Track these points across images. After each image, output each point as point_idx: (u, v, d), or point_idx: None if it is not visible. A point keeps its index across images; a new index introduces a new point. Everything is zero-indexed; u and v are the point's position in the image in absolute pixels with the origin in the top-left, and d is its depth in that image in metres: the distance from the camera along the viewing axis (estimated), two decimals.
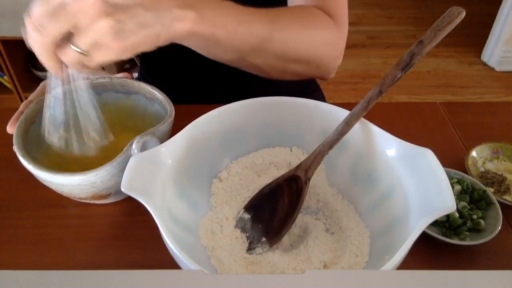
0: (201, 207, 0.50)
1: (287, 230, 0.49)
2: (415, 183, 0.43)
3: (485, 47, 2.38)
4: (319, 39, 0.55)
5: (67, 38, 0.38)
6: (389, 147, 0.47)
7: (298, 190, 0.49)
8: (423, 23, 2.74)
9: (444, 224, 0.52)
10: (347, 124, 0.48)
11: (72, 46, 0.38)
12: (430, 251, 0.50)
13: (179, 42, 0.45)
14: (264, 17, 0.50)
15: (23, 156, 0.48)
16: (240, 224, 0.50)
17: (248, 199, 0.52)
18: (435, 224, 0.52)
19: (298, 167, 0.50)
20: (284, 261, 0.46)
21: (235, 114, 0.52)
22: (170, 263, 0.40)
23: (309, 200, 0.53)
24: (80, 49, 0.38)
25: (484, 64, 2.38)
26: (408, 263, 0.46)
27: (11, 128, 0.51)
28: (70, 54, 0.39)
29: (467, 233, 0.51)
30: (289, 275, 0.36)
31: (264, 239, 0.48)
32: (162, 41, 0.41)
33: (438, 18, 0.48)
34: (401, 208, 0.44)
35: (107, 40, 0.37)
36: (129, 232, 0.53)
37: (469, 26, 2.62)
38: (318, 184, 0.53)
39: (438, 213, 0.39)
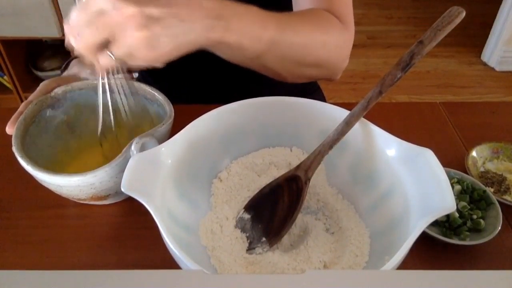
0: (201, 207, 0.50)
1: (287, 230, 0.49)
2: (415, 183, 0.43)
3: (485, 47, 2.38)
4: (331, 42, 0.56)
5: (104, 44, 0.40)
6: (389, 147, 0.47)
7: (298, 190, 0.49)
8: (423, 23, 2.74)
9: (444, 224, 0.52)
10: (347, 124, 0.48)
11: (108, 52, 0.40)
12: (430, 251, 0.50)
13: (205, 49, 0.46)
14: (282, 22, 0.51)
15: (22, 157, 0.48)
16: (240, 224, 0.50)
17: (248, 199, 0.52)
18: (435, 224, 0.52)
19: (298, 167, 0.50)
20: (284, 261, 0.46)
21: (235, 114, 0.52)
22: (170, 263, 0.40)
23: (309, 200, 0.53)
24: (116, 56, 0.40)
25: (484, 64, 2.38)
26: (408, 263, 0.46)
27: (10, 129, 0.51)
28: (105, 59, 0.40)
29: (467, 233, 0.51)
30: (289, 275, 0.36)
31: (264, 239, 0.48)
32: (192, 49, 0.42)
33: (438, 18, 0.48)
34: (401, 208, 0.44)
35: (142, 50, 0.39)
36: (129, 232, 0.53)
37: (469, 26, 2.62)
38: (318, 184, 0.53)
39: (438, 213, 0.39)
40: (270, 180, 0.52)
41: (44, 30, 1.77)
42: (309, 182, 0.49)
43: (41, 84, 0.58)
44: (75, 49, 0.40)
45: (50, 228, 0.53)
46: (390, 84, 0.47)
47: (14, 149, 0.49)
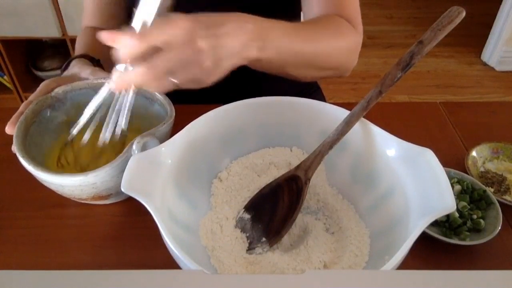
0: (201, 207, 0.50)
1: (287, 230, 0.49)
2: (415, 183, 0.43)
3: (485, 47, 2.38)
4: (346, 47, 0.60)
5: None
6: (389, 147, 0.47)
7: (298, 190, 0.49)
8: (423, 23, 2.74)
9: (444, 224, 0.52)
10: (347, 124, 0.48)
11: (170, 79, 0.43)
12: (430, 251, 0.50)
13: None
14: (305, 34, 0.55)
15: (23, 156, 0.48)
16: (240, 224, 0.50)
17: (248, 199, 0.52)
18: (435, 224, 0.52)
19: (298, 167, 0.50)
20: (284, 261, 0.46)
21: (235, 114, 0.52)
22: (170, 263, 0.40)
23: (309, 200, 0.53)
24: (179, 83, 0.43)
25: (484, 64, 2.38)
26: (408, 263, 0.46)
27: (10, 128, 0.51)
28: (165, 85, 0.43)
29: (467, 233, 0.51)
30: (289, 275, 0.36)
31: (264, 239, 0.48)
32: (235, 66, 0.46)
33: (438, 18, 0.48)
34: (401, 208, 0.44)
35: (203, 78, 0.44)
36: (129, 232, 0.53)
37: (469, 26, 2.62)
38: (318, 184, 0.53)
39: (438, 213, 0.39)
40: (270, 180, 0.52)
41: (44, 30, 1.77)
42: (309, 182, 0.49)
43: (42, 84, 0.58)
44: (141, 79, 0.41)
45: (50, 228, 0.53)
46: (390, 84, 0.48)
47: (15, 149, 0.49)
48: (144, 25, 0.44)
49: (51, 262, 0.49)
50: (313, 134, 0.53)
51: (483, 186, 0.55)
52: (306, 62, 0.57)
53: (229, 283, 0.28)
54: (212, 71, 0.44)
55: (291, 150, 0.55)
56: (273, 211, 0.50)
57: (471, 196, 0.54)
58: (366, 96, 0.48)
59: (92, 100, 0.50)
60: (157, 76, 0.41)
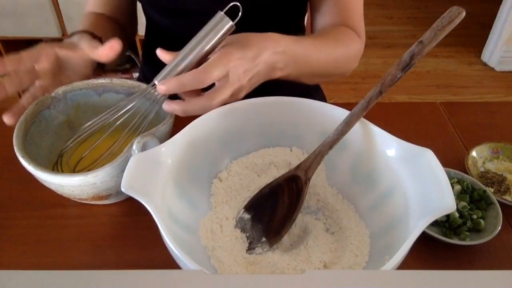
0: (201, 207, 0.50)
1: (287, 230, 0.49)
2: (415, 183, 0.43)
3: (485, 47, 2.38)
4: (353, 54, 0.67)
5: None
6: (389, 147, 0.47)
7: (298, 190, 0.49)
8: (423, 23, 2.74)
9: (444, 224, 0.52)
10: (347, 124, 0.48)
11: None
12: (430, 251, 0.50)
13: None
14: (320, 47, 0.60)
15: (23, 156, 0.48)
16: (240, 224, 0.50)
17: (248, 199, 0.52)
18: (435, 224, 0.52)
19: (298, 167, 0.50)
20: (284, 261, 0.46)
21: (235, 114, 0.52)
22: (170, 263, 0.40)
23: (309, 200, 0.53)
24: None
25: (484, 64, 2.38)
26: (408, 263, 0.46)
27: (6, 117, 0.51)
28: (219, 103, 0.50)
29: (467, 233, 0.51)
30: (289, 275, 0.36)
31: (264, 239, 0.48)
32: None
33: (438, 18, 0.48)
34: (401, 208, 0.44)
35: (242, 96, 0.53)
36: (129, 232, 0.53)
37: (469, 26, 2.62)
38: (318, 184, 0.53)
39: (438, 213, 0.39)
40: (270, 180, 0.52)
41: (44, 30, 1.77)
42: (309, 182, 0.49)
43: (38, 47, 0.54)
44: (204, 111, 0.50)
45: (50, 228, 0.53)
46: (390, 84, 0.48)
47: (15, 149, 0.49)
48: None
49: (51, 262, 0.49)
50: (313, 134, 0.53)
51: (483, 186, 0.55)
52: (318, 72, 0.63)
53: (229, 283, 0.28)
54: (244, 94, 0.53)
55: (291, 150, 0.55)
56: (273, 211, 0.50)
57: (471, 196, 0.54)
58: (366, 96, 0.48)
59: (125, 103, 0.52)
60: (214, 107, 0.50)
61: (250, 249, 0.48)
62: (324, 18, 0.69)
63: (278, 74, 0.55)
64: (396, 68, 0.47)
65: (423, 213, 0.40)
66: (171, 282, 0.28)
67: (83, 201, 0.53)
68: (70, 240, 0.52)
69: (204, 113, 0.50)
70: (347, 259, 0.45)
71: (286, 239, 0.50)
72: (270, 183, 0.52)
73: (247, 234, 0.49)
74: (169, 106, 0.50)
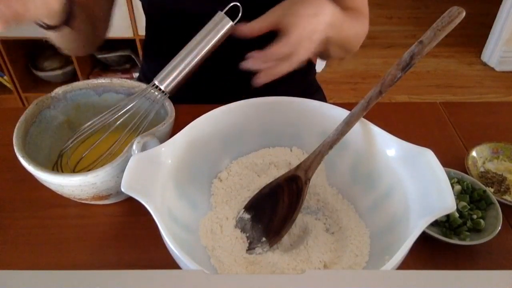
0: (201, 207, 0.50)
1: (287, 230, 0.49)
2: (415, 183, 0.43)
3: (485, 47, 2.38)
4: (364, 32, 0.72)
5: None
6: (389, 147, 0.47)
7: (298, 190, 0.49)
8: (423, 23, 2.74)
9: (444, 224, 0.52)
10: (347, 124, 0.48)
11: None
12: (430, 251, 0.50)
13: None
14: (348, 20, 0.63)
15: (23, 157, 0.48)
16: (240, 224, 0.50)
17: (248, 199, 0.52)
18: (435, 224, 0.52)
19: (298, 167, 0.50)
20: (284, 261, 0.46)
21: (235, 114, 0.52)
22: (170, 263, 0.40)
23: (309, 200, 0.53)
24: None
25: (484, 64, 2.38)
26: (408, 263, 0.46)
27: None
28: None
29: (467, 233, 0.51)
30: (289, 275, 0.36)
31: (264, 239, 0.48)
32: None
33: (438, 18, 0.48)
34: (401, 208, 0.44)
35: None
36: (129, 232, 0.53)
37: (469, 26, 2.62)
38: (318, 184, 0.53)
39: (438, 213, 0.39)
40: (270, 180, 0.52)
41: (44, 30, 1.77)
42: (309, 182, 0.49)
43: None
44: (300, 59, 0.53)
45: (50, 228, 0.53)
46: (390, 84, 0.48)
47: (15, 149, 0.49)
48: None
49: (51, 262, 0.49)
50: (313, 134, 0.53)
51: (483, 186, 0.55)
52: (345, 44, 0.65)
53: (229, 283, 0.28)
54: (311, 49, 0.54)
55: (291, 150, 0.55)
56: (273, 211, 0.50)
57: (471, 196, 0.54)
58: (366, 96, 0.48)
59: (125, 103, 0.52)
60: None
61: (250, 249, 0.48)
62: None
63: (329, 33, 0.56)
64: (396, 68, 0.47)
65: (423, 213, 0.40)
66: (171, 282, 0.28)
67: (83, 201, 0.53)
68: (70, 240, 0.52)
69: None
70: (347, 259, 0.45)
71: (286, 239, 0.50)
72: (270, 183, 0.52)
73: (247, 234, 0.49)
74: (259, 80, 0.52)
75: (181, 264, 0.39)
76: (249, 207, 0.51)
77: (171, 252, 0.39)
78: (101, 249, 0.51)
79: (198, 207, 0.50)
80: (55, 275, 0.28)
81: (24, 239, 0.52)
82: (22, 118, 0.52)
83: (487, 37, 2.35)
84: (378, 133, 0.48)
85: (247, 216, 0.50)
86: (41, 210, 0.55)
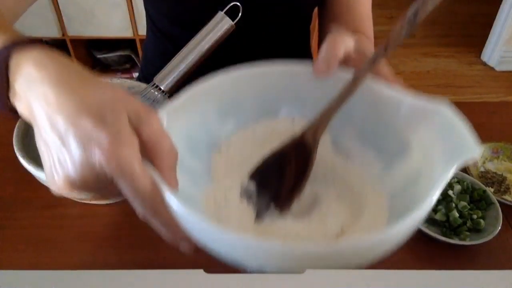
0: (202, 181, 0.47)
1: (297, 196, 0.46)
2: (433, 137, 0.41)
3: (485, 47, 2.38)
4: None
5: None
6: (400, 105, 0.44)
7: (306, 155, 0.46)
8: (423, 23, 2.73)
9: (444, 224, 0.52)
10: (354, 83, 0.44)
11: None
12: (430, 251, 0.50)
13: None
14: None
15: (23, 157, 0.48)
16: (245, 194, 0.47)
17: (250, 171, 0.48)
18: (435, 224, 0.52)
19: (304, 130, 0.46)
20: (297, 229, 0.43)
21: (233, 84, 0.48)
22: (170, 263, 0.40)
23: (316, 168, 0.48)
24: None
25: (484, 64, 2.38)
26: (408, 263, 0.46)
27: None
28: None
29: (467, 233, 0.51)
30: (289, 275, 0.36)
31: (272, 205, 0.45)
32: None
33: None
34: (420, 164, 0.42)
35: None
36: (129, 232, 0.53)
37: (469, 26, 2.62)
38: (325, 151, 0.49)
39: (464, 159, 0.36)
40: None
41: (44, 30, 1.77)
42: (317, 144, 0.46)
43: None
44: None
45: (50, 228, 0.53)
46: (395, 43, 0.44)
47: (15, 149, 0.49)
48: None
49: (51, 262, 0.49)
50: (315, 100, 0.48)
51: (483, 186, 0.55)
52: None
53: (229, 283, 0.28)
54: None
55: (293, 120, 0.51)
56: (281, 177, 0.47)
57: (471, 196, 0.54)
58: (372, 55, 0.44)
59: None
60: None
61: (258, 218, 0.45)
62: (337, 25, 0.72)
63: None
64: (402, 22, 0.45)
65: (447, 162, 0.37)
66: (171, 282, 0.28)
67: (83, 201, 0.53)
68: (70, 240, 0.52)
69: None
70: (366, 221, 0.42)
71: (296, 207, 0.46)
72: (275, 149, 0.48)
73: (254, 204, 0.46)
74: None
75: (188, 226, 0.34)
76: (254, 175, 0.48)
77: (179, 216, 0.34)
78: (101, 249, 0.51)
79: (199, 181, 0.46)
80: (55, 275, 0.28)
81: (24, 239, 0.52)
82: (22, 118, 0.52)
83: (487, 37, 2.34)
84: (387, 91, 0.44)
85: (252, 185, 0.47)
86: (41, 210, 0.55)
